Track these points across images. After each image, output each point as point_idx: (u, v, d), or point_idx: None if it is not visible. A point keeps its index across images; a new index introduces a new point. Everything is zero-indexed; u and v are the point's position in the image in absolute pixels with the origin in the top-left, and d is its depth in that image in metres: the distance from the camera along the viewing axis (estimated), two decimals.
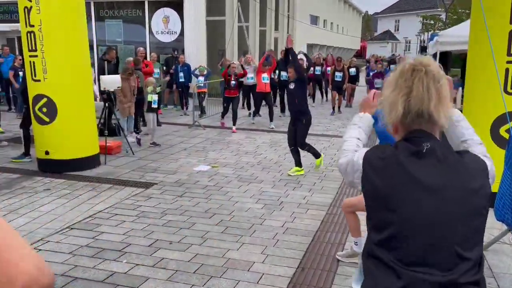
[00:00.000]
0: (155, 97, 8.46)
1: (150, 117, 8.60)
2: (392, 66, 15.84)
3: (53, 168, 6.67)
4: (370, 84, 13.19)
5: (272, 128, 10.93)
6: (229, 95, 10.57)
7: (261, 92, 11.47)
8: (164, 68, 13.35)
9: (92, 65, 13.06)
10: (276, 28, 24.86)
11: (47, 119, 6.60)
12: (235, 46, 17.12)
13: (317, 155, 6.86)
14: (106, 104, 7.66)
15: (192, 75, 12.21)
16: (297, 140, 6.68)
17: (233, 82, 10.52)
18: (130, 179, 6.44)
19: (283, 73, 12.69)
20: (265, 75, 11.36)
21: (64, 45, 6.50)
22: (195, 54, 13.51)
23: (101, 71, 9.99)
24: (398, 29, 71.58)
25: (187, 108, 12.79)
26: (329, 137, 9.97)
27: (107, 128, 7.64)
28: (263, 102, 11.88)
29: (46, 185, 6.02)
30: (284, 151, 8.41)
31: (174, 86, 13.05)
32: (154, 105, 8.52)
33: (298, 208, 5.23)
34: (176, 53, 13.22)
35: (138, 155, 7.93)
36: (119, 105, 8.70)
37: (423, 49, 14.96)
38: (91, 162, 6.99)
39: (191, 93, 13.06)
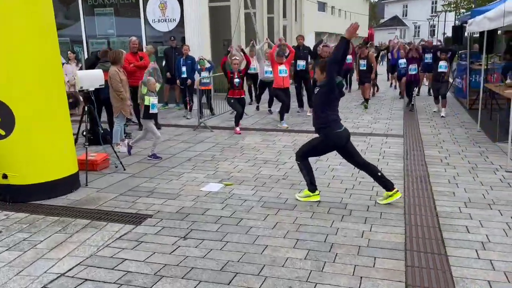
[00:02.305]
0: (153, 100, 6.75)
1: (151, 125, 6.87)
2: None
3: (13, 196, 5.00)
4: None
5: (286, 127, 9.17)
6: (233, 96, 8.86)
7: (280, 88, 9.55)
8: (163, 62, 11.65)
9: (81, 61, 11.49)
10: (284, 16, 23.01)
11: (2, 132, 4.92)
12: (242, 35, 15.30)
13: (311, 187, 4.87)
14: (85, 108, 5.97)
15: (196, 71, 10.44)
16: (300, 147, 4.95)
17: (236, 80, 8.78)
18: (115, 209, 4.75)
19: (300, 62, 10.97)
20: (282, 67, 9.43)
21: (21, 34, 4.79)
22: (198, 45, 11.78)
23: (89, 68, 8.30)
24: (406, 15, 69.39)
25: (191, 108, 11.07)
26: (363, 136, 8.21)
27: (87, 137, 5.96)
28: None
29: None
30: (313, 158, 6.67)
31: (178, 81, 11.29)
32: (153, 110, 6.80)
33: (360, 257, 3.50)
34: (173, 38, 11.48)
35: (130, 170, 6.25)
36: (119, 105, 7.05)
37: (457, 30, 13.02)
38: (66, 185, 5.31)
39: (196, 89, 11.36)
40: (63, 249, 3.75)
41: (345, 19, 44.40)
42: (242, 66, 9.65)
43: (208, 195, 5.14)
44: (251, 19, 15.03)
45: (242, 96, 8.95)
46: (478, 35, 11.33)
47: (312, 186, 4.89)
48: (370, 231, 4.00)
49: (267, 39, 11.44)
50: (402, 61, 13.42)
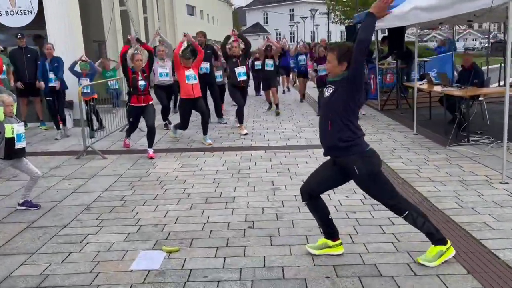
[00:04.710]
0: (19, 128, 4.27)
1: (20, 164, 4.38)
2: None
3: None
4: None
5: (210, 144, 7.28)
6: (137, 104, 6.51)
7: (189, 99, 7.23)
8: (13, 68, 8.73)
9: None
10: (158, 18, 20.82)
11: None
12: (119, 35, 12.78)
13: (440, 240, 3.09)
14: None
15: (75, 76, 7.79)
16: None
17: (141, 82, 6.44)
18: None
19: (203, 65, 9.02)
20: (190, 72, 7.15)
21: None
22: (66, 45, 9.02)
23: None
24: (267, 22, 72.20)
25: (64, 125, 8.36)
26: (303, 150, 6.74)
27: None
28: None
29: None
30: (264, 185, 4.97)
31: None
32: (20, 143, 4.30)
33: None
34: (20, 36, 8.66)
35: None
36: None
37: (350, 30, 12.59)
38: None
39: (69, 102, 8.69)
40: None
41: (213, 24, 43.50)
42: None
43: (149, 278, 3.03)
44: (128, 17, 12.58)
45: (150, 103, 6.58)
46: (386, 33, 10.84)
47: (332, 233, 3.22)
48: None
49: (157, 32, 9.15)
50: (302, 57, 12.54)
